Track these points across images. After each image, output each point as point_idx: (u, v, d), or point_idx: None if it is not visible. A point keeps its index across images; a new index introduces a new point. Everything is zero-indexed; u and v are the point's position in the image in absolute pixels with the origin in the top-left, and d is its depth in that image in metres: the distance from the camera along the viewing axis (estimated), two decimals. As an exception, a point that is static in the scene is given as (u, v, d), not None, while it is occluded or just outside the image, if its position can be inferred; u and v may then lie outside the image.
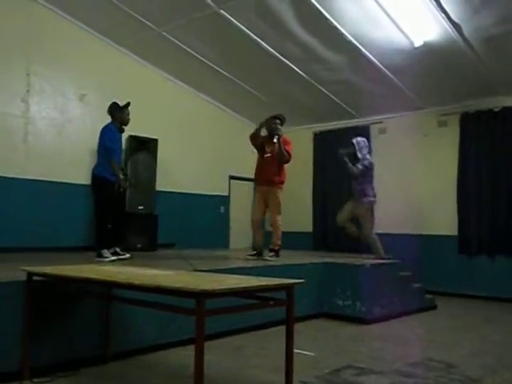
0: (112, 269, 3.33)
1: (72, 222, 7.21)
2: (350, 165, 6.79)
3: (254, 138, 6.21)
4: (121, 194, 5.64)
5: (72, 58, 7.40)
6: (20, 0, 6.86)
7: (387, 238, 8.22)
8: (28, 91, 6.95)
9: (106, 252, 5.28)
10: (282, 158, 6.05)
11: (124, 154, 7.63)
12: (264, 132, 6.28)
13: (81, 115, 7.56)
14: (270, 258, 5.89)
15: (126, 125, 5.69)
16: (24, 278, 3.16)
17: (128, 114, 5.64)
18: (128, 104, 5.64)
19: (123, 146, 7.66)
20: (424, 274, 6.88)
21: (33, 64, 6.98)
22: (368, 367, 3.64)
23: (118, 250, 5.49)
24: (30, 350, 3.14)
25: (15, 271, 3.46)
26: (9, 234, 6.48)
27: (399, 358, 3.95)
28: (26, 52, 6.91)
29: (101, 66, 7.71)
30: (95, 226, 5.52)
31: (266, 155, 6.11)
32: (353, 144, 6.94)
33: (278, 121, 6.19)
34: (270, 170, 6.06)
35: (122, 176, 5.42)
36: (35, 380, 3.13)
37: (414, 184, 8.18)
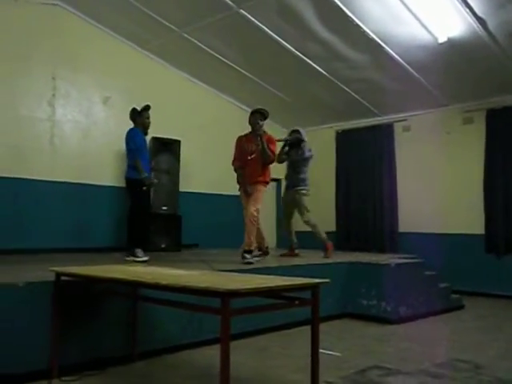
0: (138, 269, 3.37)
1: (98, 223, 7.32)
2: (304, 150, 6.59)
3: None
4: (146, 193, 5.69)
5: (96, 62, 7.52)
6: (46, 6, 7.00)
7: (412, 237, 8.17)
8: (54, 95, 7.09)
9: (139, 251, 5.29)
10: (267, 158, 5.57)
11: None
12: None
13: (105, 118, 7.67)
14: (248, 260, 5.12)
15: (147, 128, 5.76)
16: (53, 278, 3.22)
17: (148, 118, 5.70)
18: (147, 107, 5.69)
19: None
20: (450, 274, 6.78)
21: (58, 68, 7.12)
22: (395, 368, 3.60)
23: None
24: (59, 348, 3.20)
25: (44, 271, 3.53)
26: (37, 235, 6.62)
27: (426, 358, 3.90)
28: (52, 56, 7.05)
29: (124, 69, 7.81)
30: (129, 226, 5.56)
31: (249, 156, 5.60)
32: (298, 132, 6.67)
33: (257, 115, 5.63)
34: (254, 172, 5.58)
35: (146, 174, 5.44)
36: (63, 378, 3.19)
37: (439, 182, 8.05)
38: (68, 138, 7.24)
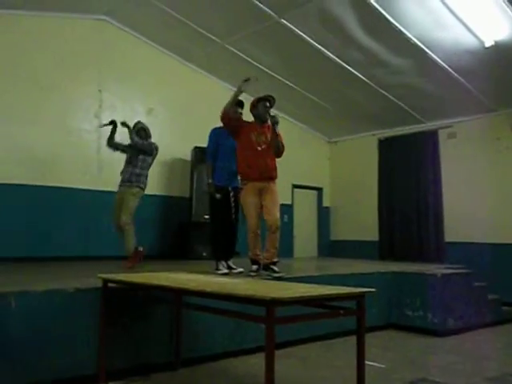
0: (182, 276, 3.40)
1: (142, 231, 7.44)
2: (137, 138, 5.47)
3: (226, 119, 4.82)
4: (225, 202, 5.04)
5: (140, 74, 7.72)
6: (94, 21, 7.26)
7: (459, 247, 7.92)
8: (100, 106, 7.32)
9: (219, 264, 4.94)
10: (280, 151, 4.76)
11: (190, 165, 7.85)
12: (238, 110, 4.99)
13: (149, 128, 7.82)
14: (281, 274, 4.55)
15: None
16: (100, 284, 3.29)
17: (236, 113, 4.97)
18: (239, 103, 4.99)
19: (189, 158, 7.90)
20: (500, 285, 6.52)
21: (104, 81, 7.36)
22: (443, 381, 3.48)
23: (230, 263, 5.10)
24: (105, 354, 3.26)
25: (90, 278, 3.62)
26: (84, 243, 6.82)
27: (476, 372, 3.75)
28: (99, 70, 7.30)
29: (167, 81, 7.98)
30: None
31: (260, 147, 4.74)
32: (140, 123, 5.76)
33: (267, 103, 4.84)
34: (267, 164, 4.75)
35: (210, 180, 5.00)
36: (110, 383, 3.24)
37: (489, 190, 7.79)
38: (113, 149, 7.43)
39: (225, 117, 4.82)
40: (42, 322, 3.10)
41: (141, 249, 5.34)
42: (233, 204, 5.04)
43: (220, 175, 5.03)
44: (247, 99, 4.98)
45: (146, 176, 5.51)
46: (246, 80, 4.66)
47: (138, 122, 5.74)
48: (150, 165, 5.59)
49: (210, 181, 4.99)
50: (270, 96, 4.86)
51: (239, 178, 4.98)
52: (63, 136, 6.92)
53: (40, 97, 6.72)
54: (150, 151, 5.52)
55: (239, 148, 4.86)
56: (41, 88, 6.72)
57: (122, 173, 5.57)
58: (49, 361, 3.07)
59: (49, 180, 6.68)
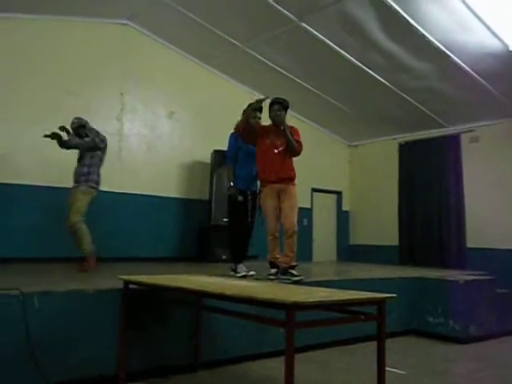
0: (202, 279, 3.41)
1: (162, 233, 7.52)
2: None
3: (246, 132, 4.82)
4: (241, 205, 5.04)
5: (162, 78, 7.80)
6: (116, 25, 7.37)
7: (482, 253, 7.79)
8: (122, 110, 7.41)
9: (238, 266, 4.95)
10: (293, 150, 4.77)
11: (209, 168, 7.89)
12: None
13: (170, 131, 7.91)
14: (300, 277, 4.56)
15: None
16: (121, 286, 3.32)
17: (256, 117, 4.97)
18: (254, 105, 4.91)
19: (208, 161, 7.94)
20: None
21: (126, 84, 7.45)
22: (465, 389, 3.43)
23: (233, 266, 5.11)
24: (126, 355, 3.29)
25: (110, 280, 3.66)
26: (105, 245, 6.87)
27: (500, 380, 3.68)
28: (121, 73, 7.40)
29: (188, 84, 8.04)
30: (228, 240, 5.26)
31: (276, 149, 4.76)
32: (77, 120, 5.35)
33: (276, 106, 4.83)
34: (284, 166, 4.77)
35: (232, 184, 5.01)
36: (130, 384, 3.27)
37: (511, 195, 7.66)
38: (134, 151, 7.53)
39: (238, 130, 4.89)
40: (64, 323, 3.14)
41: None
42: (250, 207, 5.05)
43: (240, 179, 5.04)
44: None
45: (98, 173, 5.21)
46: (260, 101, 4.74)
47: (74, 121, 5.30)
48: (101, 159, 5.29)
49: (232, 184, 5.00)
50: (278, 99, 4.88)
51: (258, 182, 5.00)
52: (85, 139, 7.01)
53: (64, 100, 6.82)
54: (94, 146, 5.18)
55: (258, 152, 4.91)
56: (65, 92, 6.83)
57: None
58: (70, 361, 3.10)
59: (71, 182, 6.76)
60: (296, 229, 4.66)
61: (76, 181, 5.14)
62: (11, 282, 3.47)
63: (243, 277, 4.75)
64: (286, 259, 4.66)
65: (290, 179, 4.81)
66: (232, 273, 4.97)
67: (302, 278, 4.55)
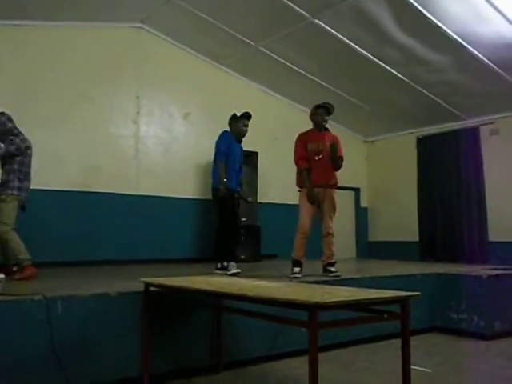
0: (223, 280, 3.41)
1: (180, 234, 7.55)
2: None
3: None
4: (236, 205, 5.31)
5: (176, 79, 7.83)
6: (131, 28, 7.42)
7: (505, 247, 7.66)
8: (138, 113, 7.46)
9: (229, 265, 5.05)
10: (338, 166, 5.00)
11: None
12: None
13: (185, 133, 7.94)
14: (336, 274, 4.84)
15: (240, 136, 5.42)
16: (142, 288, 3.33)
17: (245, 125, 5.36)
18: (245, 115, 5.38)
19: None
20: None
21: (142, 87, 7.49)
22: (492, 387, 3.37)
23: (225, 264, 5.26)
24: (149, 357, 3.30)
25: (131, 282, 3.68)
26: (122, 247, 6.94)
27: (527, 378, 3.61)
28: (136, 77, 7.45)
29: (203, 85, 8.06)
30: (216, 238, 5.33)
31: (316, 157, 4.94)
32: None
33: (320, 110, 5.00)
34: (325, 174, 4.97)
35: (225, 179, 5.09)
36: (154, 386, 3.28)
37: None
38: (151, 154, 7.58)
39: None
40: (87, 326, 3.16)
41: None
42: (237, 208, 5.32)
43: (230, 178, 5.16)
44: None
45: (19, 178, 4.73)
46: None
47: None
48: (21, 163, 4.76)
49: (225, 180, 5.08)
50: (329, 104, 5.02)
51: (298, 186, 5.15)
52: (103, 143, 7.08)
53: (81, 105, 6.90)
54: (7, 154, 4.68)
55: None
56: (81, 97, 6.89)
57: None
58: (94, 364, 3.13)
59: (90, 186, 6.83)
60: (331, 231, 4.99)
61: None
62: (33, 287, 3.52)
63: (234, 274, 4.88)
64: (325, 257, 4.97)
65: (330, 186, 5.03)
66: (219, 271, 5.09)
67: (339, 274, 4.78)
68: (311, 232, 5.01)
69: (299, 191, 5.12)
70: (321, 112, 5.00)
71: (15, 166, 4.72)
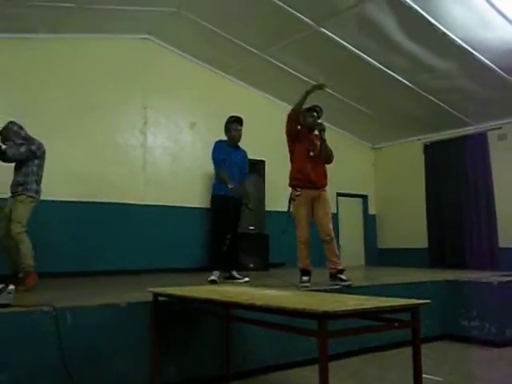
0: (231, 289, 3.40)
1: (187, 244, 7.55)
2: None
3: (295, 120, 4.80)
4: (238, 212, 5.37)
5: (183, 89, 7.88)
6: (137, 40, 7.49)
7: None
8: (145, 123, 7.51)
9: (214, 273, 5.07)
10: (330, 157, 4.89)
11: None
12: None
13: (192, 142, 7.98)
14: (348, 283, 4.64)
15: (234, 141, 5.41)
16: (150, 298, 3.33)
17: (235, 130, 5.37)
18: (234, 119, 5.39)
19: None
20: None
21: (149, 98, 7.55)
22: (505, 395, 3.32)
23: (234, 273, 5.34)
24: (159, 367, 3.29)
25: (139, 292, 3.68)
26: (131, 257, 6.96)
27: (541, 386, 3.56)
28: (143, 87, 7.51)
29: (208, 94, 8.10)
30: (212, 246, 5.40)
31: (311, 153, 4.84)
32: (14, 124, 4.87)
33: (315, 113, 4.93)
34: (319, 171, 4.86)
35: (231, 186, 5.11)
36: (163, 396, 3.27)
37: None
38: (158, 163, 7.62)
39: (292, 114, 4.80)
40: (97, 337, 3.16)
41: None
42: (233, 214, 5.24)
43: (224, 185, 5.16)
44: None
45: (36, 181, 4.81)
46: (319, 87, 4.74)
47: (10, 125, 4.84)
48: (39, 166, 4.84)
49: (231, 186, 5.10)
50: (318, 106, 4.95)
51: (291, 187, 4.93)
52: (111, 153, 7.13)
53: (89, 116, 6.95)
54: (29, 153, 4.74)
55: (293, 155, 4.93)
56: (89, 107, 6.95)
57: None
58: (104, 375, 3.13)
59: (97, 196, 6.87)
60: (333, 235, 4.76)
61: (13, 191, 4.77)
62: (42, 298, 3.53)
63: (212, 281, 4.91)
64: (332, 264, 4.76)
65: (323, 185, 4.87)
66: (228, 280, 5.15)
67: (351, 282, 4.61)
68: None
69: (294, 199, 4.84)
70: (309, 114, 4.91)
71: (34, 169, 4.80)
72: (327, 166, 4.97)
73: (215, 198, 5.26)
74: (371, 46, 6.68)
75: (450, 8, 5.67)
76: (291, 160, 4.97)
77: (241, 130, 5.42)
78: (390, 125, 9.21)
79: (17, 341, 2.87)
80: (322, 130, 4.82)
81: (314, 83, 4.85)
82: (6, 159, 4.68)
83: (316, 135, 4.93)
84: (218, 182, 5.28)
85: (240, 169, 5.44)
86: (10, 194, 4.80)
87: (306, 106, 4.85)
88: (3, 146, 4.63)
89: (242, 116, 5.47)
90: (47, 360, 2.93)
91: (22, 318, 2.93)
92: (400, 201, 9.72)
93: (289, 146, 4.96)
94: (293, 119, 4.82)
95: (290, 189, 4.91)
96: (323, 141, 4.81)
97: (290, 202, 4.90)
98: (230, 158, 5.35)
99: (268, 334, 3.65)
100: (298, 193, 4.80)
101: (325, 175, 4.93)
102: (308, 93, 4.73)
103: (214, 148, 5.39)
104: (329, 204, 4.89)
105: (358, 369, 4.08)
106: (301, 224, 4.76)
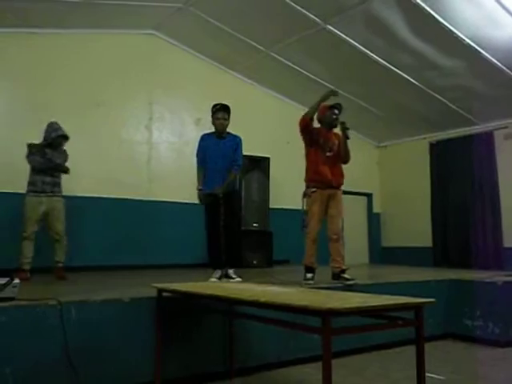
0: (234, 286, 3.41)
1: (191, 239, 7.55)
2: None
3: (307, 125, 4.79)
4: (229, 207, 5.03)
5: (188, 85, 7.88)
6: (142, 35, 7.49)
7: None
8: (151, 119, 7.51)
9: (216, 272, 5.01)
10: (348, 157, 4.95)
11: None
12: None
13: (197, 138, 7.88)
14: (352, 282, 4.63)
15: (218, 130, 5.11)
16: (155, 294, 3.34)
17: (217, 118, 5.08)
18: (218, 106, 5.15)
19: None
20: None
21: (154, 94, 7.55)
22: (508, 395, 3.32)
23: (230, 272, 5.12)
24: (161, 362, 3.30)
25: (144, 287, 3.69)
26: (134, 252, 6.97)
27: (545, 386, 3.55)
28: (149, 83, 7.51)
29: (214, 91, 8.06)
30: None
31: (328, 153, 4.84)
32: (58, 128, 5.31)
33: (336, 111, 4.91)
34: (336, 171, 4.88)
35: (200, 187, 5.04)
36: (166, 392, 3.28)
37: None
38: (163, 159, 7.63)
39: (302, 123, 4.82)
40: (101, 331, 3.17)
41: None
42: (223, 210, 4.96)
43: (209, 179, 5.03)
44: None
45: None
46: (332, 94, 4.69)
47: (56, 126, 5.30)
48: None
49: (200, 187, 5.03)
50: (339, 104, 4.94)
51: (306, 184, 4.89)
52: (116, 148, 7.14)
53: (94, 111, 6.96)
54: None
55: (310, 154, 4.89)
56: (95, 103, 6.96)
57: (43, 183, 5.12)
58: (108, 370, 3.14)
59: (101, 192, 6.87)
60: (340, 235, 4.80)
61: (54, 191, 5.11)
62: (47, 293, 3.55)
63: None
64: (336, 264, 4.74)
65: (340, 184, 4.90)
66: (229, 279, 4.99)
67: (355, 282, 4.59)
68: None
69: (309, 195, 4.81)
70: (331, 111, 4.91)
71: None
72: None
73: (202, 196, 5.09)
74: (378, 43, 6.65)
75: (458, 6, 5.64)
76: (307, 158, 4.94)
77: (227, 119, 5.11)
78: (395, 123, 9.18)
79: (21, 334, 2.88)
80: (346, 128, 4.80)
81: (328, 90, 4.77)
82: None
83: (335, 133, 4.95)
84: (205, 181, 5.10)
85: (228, 159, 5.07)
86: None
87: (328, 103, 4.85)
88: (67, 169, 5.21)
89: (228, 104, 5.27)
90: (51, 354, 2.95)
91: (26, 312, 2.94)
92: (405, 199, 9.70)
93: (305, 145, 4.95)
94: (303, 127, 4.82)
95: (295, 186, 4.92)
96: (346, 140, 4.83)
97: (304, 198, 4.88)
98: (216, 150, 5.07)
99: (271, 330, 3.65)
100: (313, 189, 4.78)
101: (342, 175, 4.95)
102: (322, 100, 4.73)
103: (198, 144, 5.22)
104: (342, 204, 4.90)
105: (361, 366, 4.08)
106: (312, 222, 4.76)
